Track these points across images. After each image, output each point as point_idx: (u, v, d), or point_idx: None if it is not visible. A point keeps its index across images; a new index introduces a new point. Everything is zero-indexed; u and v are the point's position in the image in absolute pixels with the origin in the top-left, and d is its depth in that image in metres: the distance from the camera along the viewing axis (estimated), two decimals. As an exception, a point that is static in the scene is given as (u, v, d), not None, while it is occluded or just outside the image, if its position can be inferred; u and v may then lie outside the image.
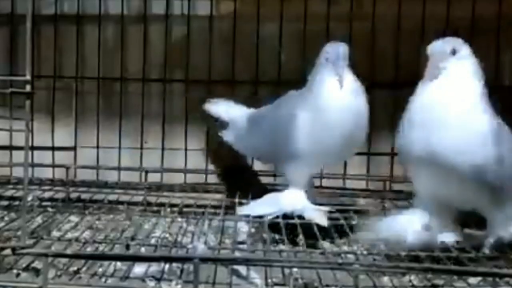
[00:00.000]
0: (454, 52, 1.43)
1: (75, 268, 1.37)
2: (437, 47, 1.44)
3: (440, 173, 1.40)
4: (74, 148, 2.04)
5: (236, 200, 1.81)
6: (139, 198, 1.91)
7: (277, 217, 1.64)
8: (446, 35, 1.49)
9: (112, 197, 1.93)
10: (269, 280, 1.34)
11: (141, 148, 2.04)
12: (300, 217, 1.63)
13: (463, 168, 1.38)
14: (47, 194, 1.91)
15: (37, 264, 1.35)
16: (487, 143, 1.38)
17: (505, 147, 1.41)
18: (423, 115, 1.41)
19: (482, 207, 1.46)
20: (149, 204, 1.88)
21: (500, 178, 1.39)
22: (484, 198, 1.42)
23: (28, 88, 1.24)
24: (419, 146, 1.41)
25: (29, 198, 1.80)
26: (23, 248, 1.27)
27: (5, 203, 1.84)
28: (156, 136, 2.04)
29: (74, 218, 1.73)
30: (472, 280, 1.35)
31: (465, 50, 1.44)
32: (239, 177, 2.02)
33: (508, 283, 1.30)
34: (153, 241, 1.57)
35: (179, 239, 1.58)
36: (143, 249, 1.48)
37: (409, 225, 1.46)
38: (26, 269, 1.35)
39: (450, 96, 1.40)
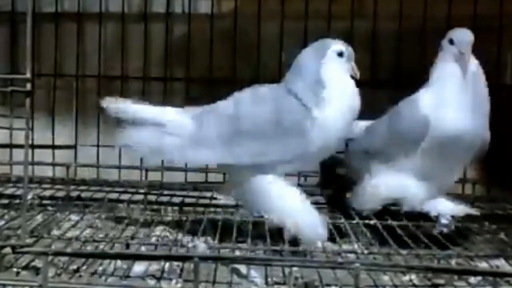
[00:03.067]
0: None
1: (75, 267, 1.37)
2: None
3: None
4: (74, 147, 2.04)
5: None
6: (140, 197, 1.91)
7: None
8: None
9: (113, 195, 1.92)
10: (269, 279, 1.33)
11: (142, 146, 2.04)
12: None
13: None
14: (47, 193, 1.91)
15: (37, 263, 1.35)
16: None
17: None
18: None
19: None
20: (150, 202, 1.88)
21: None
22: None
23: (28, 86, 1.24)
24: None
25: (29, 197, 1.80)
26: (23, 246, 1.27)
27: (5, 201, 1.83)
28: (156, 135, 2.04)
29: (74, 217, 1.73)
30: (473, 279, 1.35)
31: None
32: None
33: (508, 282, 1.30)
34: (153, 239, 1.56)
35: (179, 237, 1.58)
36: (143, 248, 1.48)
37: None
38: (26, 267, 1.35)
39: None
